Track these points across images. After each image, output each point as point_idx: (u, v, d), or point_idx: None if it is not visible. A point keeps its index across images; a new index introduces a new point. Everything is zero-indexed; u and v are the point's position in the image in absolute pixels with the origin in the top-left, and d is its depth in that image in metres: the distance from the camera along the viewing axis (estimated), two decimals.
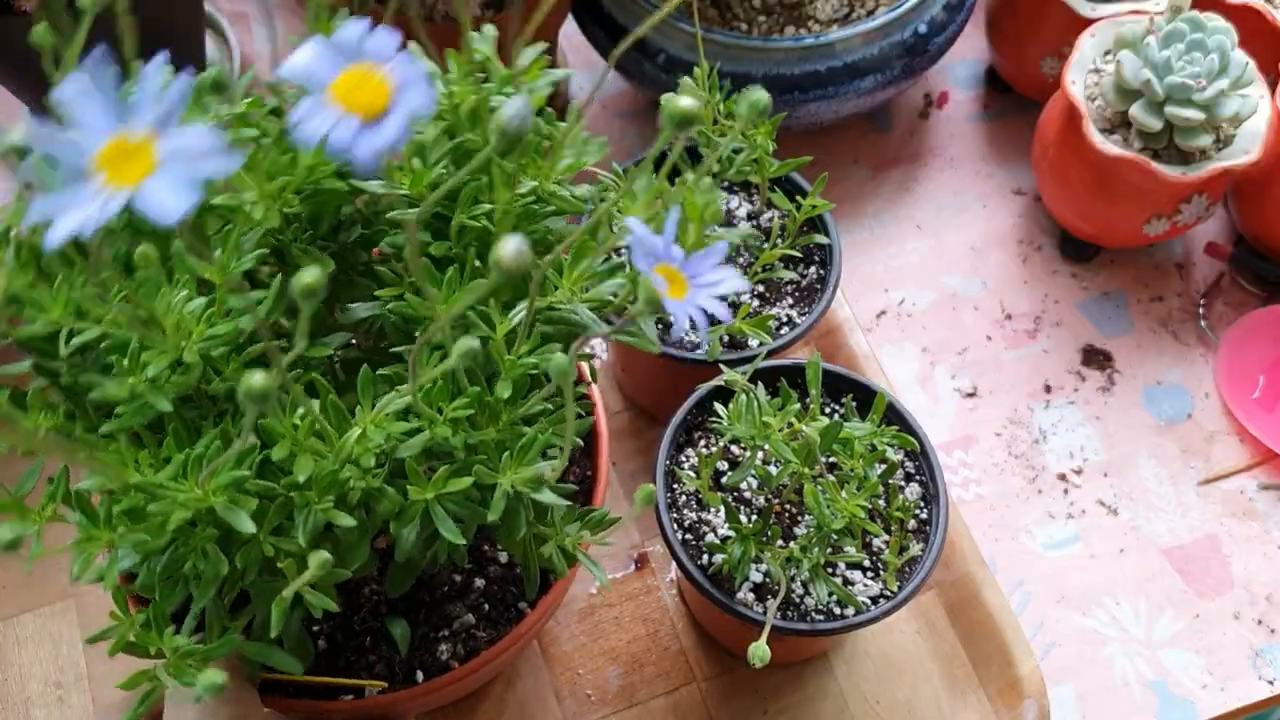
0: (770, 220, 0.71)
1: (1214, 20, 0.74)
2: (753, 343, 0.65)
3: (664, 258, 0.37)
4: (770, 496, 0.62)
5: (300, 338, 0.35)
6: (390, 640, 0.58)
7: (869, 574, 0.61)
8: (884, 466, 0.61)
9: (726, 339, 0.66)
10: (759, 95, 0.42)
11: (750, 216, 0.72)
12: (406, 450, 0.43)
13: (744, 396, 0.57)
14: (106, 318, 0.41)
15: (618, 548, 0.72)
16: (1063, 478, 0.77)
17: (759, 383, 0.63)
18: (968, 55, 0.96)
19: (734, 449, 0.64)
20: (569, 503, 0.48)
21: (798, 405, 0.57)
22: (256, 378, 0.33)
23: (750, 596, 0.59)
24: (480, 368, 0.44)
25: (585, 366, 0.60)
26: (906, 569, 0.60)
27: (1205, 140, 0.74)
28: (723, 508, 0.61)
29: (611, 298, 0.47)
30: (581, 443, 0.62)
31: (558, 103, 0.88)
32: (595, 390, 0.63)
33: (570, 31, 0.89)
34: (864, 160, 0.91)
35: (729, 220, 0.71)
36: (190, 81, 0.31)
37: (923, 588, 0.61)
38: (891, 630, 0.70)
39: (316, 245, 0.48)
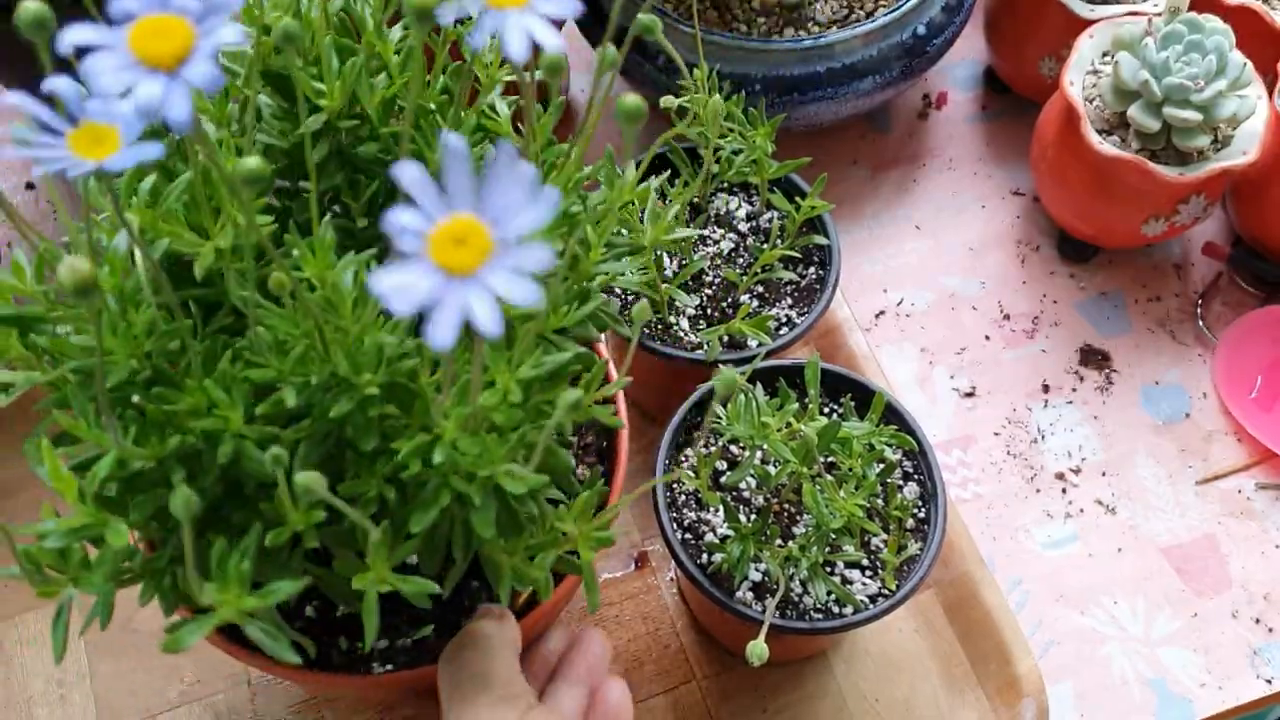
0: (770, 221, 0.72)
1: (1212, 21, 0.75)
2: (752, 343, 0.65)
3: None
4: (769, 496, 0.62)
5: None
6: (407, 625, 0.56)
7: (867, 573, 0.61)
8: (882, 466, 0.62)
9: (726, 339, 0.67)
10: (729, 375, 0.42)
11: (750, 217, 0.72)
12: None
13: (743, 396, 0.57)
14: None
15: (618, 547, 0.72)
16: (1061, 477, 0.77)
17: (758, 383, 0.63)
18: (966, 56, 0.96)
19: (733, 449, 0.65)
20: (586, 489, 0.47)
21: (796, 405, 0.57)
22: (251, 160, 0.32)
23: (749, 595, 0.60)
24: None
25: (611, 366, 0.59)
26: (905, 568, 0.61)
27: (1203, 141, 0.74)
28: (722, 507, 0.61)
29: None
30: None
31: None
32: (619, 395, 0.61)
33: (570, 31, 0.89)
34: (863, 161, 0.91)
35: (729, 220, 0.72)
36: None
37: (921, 586, 0.61)
38: (890, 629, 0.70)
39: None
